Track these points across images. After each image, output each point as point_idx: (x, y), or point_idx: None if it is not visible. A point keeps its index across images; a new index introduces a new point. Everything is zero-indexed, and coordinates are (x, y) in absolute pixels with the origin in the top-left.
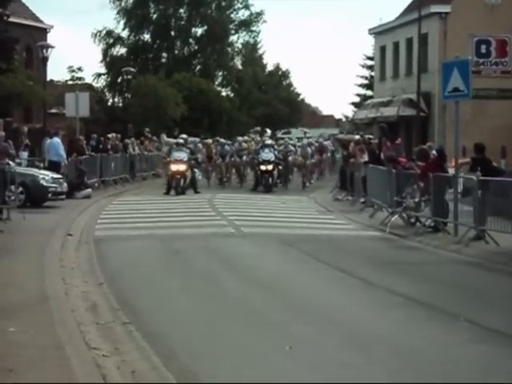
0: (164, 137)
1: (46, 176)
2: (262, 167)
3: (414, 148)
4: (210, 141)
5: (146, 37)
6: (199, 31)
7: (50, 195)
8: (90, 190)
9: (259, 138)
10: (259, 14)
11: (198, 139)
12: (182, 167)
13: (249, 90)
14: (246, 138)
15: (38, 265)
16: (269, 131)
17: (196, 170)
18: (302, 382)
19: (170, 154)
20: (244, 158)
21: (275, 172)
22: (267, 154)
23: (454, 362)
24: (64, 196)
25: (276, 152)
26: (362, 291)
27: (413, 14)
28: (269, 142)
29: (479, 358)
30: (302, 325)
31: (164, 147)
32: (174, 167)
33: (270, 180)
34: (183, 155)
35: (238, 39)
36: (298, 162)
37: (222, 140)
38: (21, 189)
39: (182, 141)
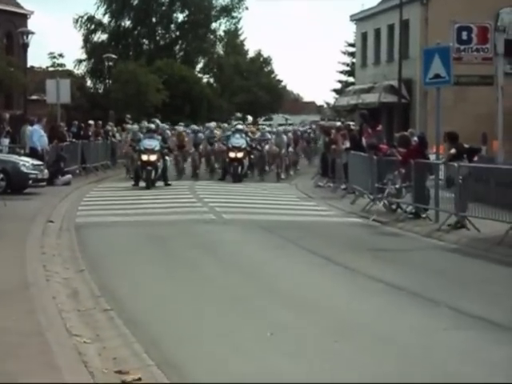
0: (130, 125)
1: (26, 163)
2: (231, 154)
3: (396, 134)
4: (181, 128)
5: (127, 23)
6: (180, 17)
7: (30, 182)
8: (70, 176)
9: (227, 126)
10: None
11: (166, 126)
12: (153, 157)
13: (230, 76)
14: (215, 124)
15: (19, 252)
16: (250, 118)
17: (168, 159)
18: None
19: (139, 141)
20: (216, 145)
21: (245, 160)
22: (238, 140)
23: (435, 348)
24: (45, 183)
25: (248, 139)
26: (343, 277)
27: (394, 0)
28: (240, 126)
29: (460, 343)
30: (283, 311)
31: (129, 134)
32: (144, 157)
33: (240, 169)
34: (154, 144)
35: (220, 26)
36: (272, 152)
37: (195, 127)
38: (1, 175)
39: (153, 126)
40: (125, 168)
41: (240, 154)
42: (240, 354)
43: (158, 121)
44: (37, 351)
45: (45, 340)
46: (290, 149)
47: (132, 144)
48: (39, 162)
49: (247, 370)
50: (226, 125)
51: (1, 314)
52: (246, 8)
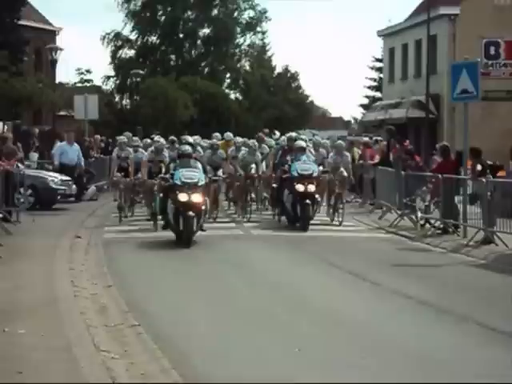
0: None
1: (55, 178)
2: (299, 187)
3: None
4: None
5: (154, 39)
6: (206, 33)
7: (59, 197)
8: (94, 188)
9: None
10: (263, 12)
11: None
12: (197, 197)
13: (257, 92)
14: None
15: (47, 267)
16: (278, 133)
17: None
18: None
19: (173, 170)
20: (220, 173)
21: (318, 196)
22: (306, 165)
23: (463, 365)
24: (73, 198)
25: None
26: (371, 293)
27: (422, 15)
28: (302, 143)
29: (487, 360)
30: (311, 327)
31: (123, 151)
32: (183, 197)
33: (311, 210)
34: (197, 175)
35: (245, 41)
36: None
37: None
38: (30, 191)
39: (188, 148)
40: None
41: (312, 187)
42: (270, 369)
43: (190, 138)
44: (65, 367)
45: (73, 355)
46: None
47: (122, 165)
48: (67, 178)
49: None
50: (254, 142)
51: (29, 330)
52: (269, 19)
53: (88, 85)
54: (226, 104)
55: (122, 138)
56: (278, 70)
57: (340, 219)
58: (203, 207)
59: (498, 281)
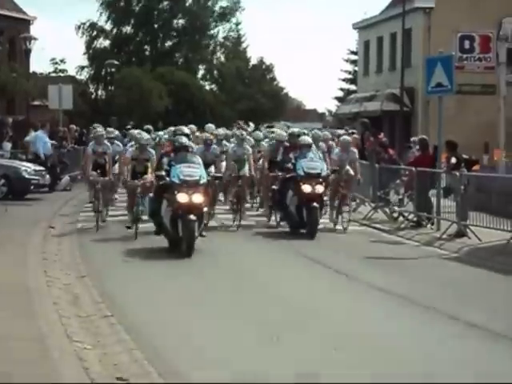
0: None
1: (28, 168)
2: (306, 188)
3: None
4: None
5: (129, 29)
6: (180, 24)
7: (32, 187)
8: (67, 177)
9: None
10: (236, 2)
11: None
12: (198, 198)
13: (231, 83)
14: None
15: (20, 257)
16: (252, 125)
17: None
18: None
19: (168, 166)
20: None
21: (326, 198)
22: (314, 163)
23: (434, 357)
24: (47, 188)
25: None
26: (343, 285)
27: (397, 8)
28: (308, 139)
29: (459, 352)
30: (278, 313)
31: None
32: (182, 198)
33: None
34: (198, 172)
35: (218, 33)
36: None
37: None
38: (3, 181)
39: (186, 140)
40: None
41: (320, 188)
42: (248, 362)
43: (185, 128)
44: (37, 357)
45: (45, 346)
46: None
47: (99, 161)
48: (41, 168)
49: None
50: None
51: (1, 320)
52: (243, 9)
53: (62, 75)
54: (200, 95)
55: (100, 131)
56: (253, 61)
57: (344, 225)
58: (205, 209)
59: (470, 274)
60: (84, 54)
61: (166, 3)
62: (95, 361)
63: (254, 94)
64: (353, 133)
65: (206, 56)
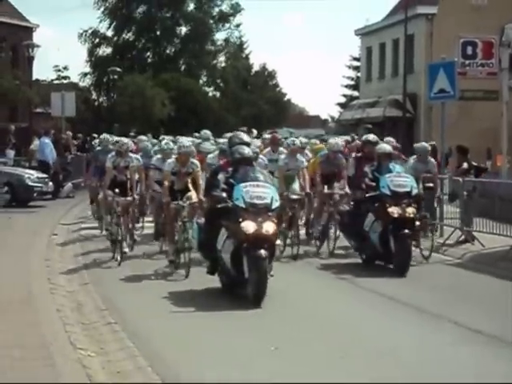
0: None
1: (31, 175)
2: (395, 211)
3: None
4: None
5: (131, 36)
6: (183, 30)
7: (35, 195)
8: (70, 184)
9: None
10: (236, 5)
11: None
12: (271, 227)
13: (234, 90)
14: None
15: (24, 264)
16: (255, 131)
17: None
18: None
19: (225, 184)
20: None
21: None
22: (402, 179)
23: (439, 363)
24: (50, 195)
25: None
26: (348, 291)
27: (399, 15)
28: (387, 147)
29: (463, 358)
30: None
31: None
32: (251, 227)
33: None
34: (269, 192)
35: (220, 36)
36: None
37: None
38: (6, 188)
39: (248, 151)
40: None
41: (412, 211)
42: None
43: (244, 135)
44: (41, 364)
45: (49, 353)
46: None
47: (119, 178)
48: (44, 175)
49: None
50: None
51: (5, 327)
52: (243, 9)
53: (65, 82)
54: (205, 101)
55: (126, 142)
56: (256, 68)
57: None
58: (278, 241)
59: (473, 280)
60: (87, 61)
61: (166, 9)
62: (99, 368)
63: (257, 100)
64: (353, 138)
65: (208, 61)
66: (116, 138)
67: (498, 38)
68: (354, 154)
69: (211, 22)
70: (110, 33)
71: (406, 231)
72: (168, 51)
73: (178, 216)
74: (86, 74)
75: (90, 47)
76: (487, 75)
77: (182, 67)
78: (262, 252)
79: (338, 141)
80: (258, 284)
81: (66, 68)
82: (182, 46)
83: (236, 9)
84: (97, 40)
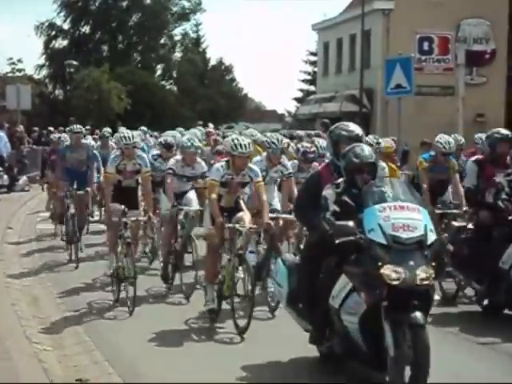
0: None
1: None
2: None
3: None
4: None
5: (87, 29)
6: (138, 23)
7: None
8: (25, 178)
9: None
10: (197, 3)
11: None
12: (428, 274)
13: (190, 84)
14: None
15: None
16: (211, 125)
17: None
18: None
19: (338, 203)
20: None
21: None
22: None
23: None
24: (5, 189)
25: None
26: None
27: (356, 10)
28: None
29: None
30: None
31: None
32: (397, 275)
33: None
34: (419, 218)
35: (173, 31)
36: None
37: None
38: None
39: (370, 157)
40: None
41: None
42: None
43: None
44: None
45: (4, 347)
46: None
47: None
48: None
49: None
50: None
51: None
52: (204, 10)
53: (20, 74)
54: (160, 95)
55: (133, 135)
56: (213, 62)
57: None
58: (436, 297)
59: None
60: (42, 54)
61: (123, 3)
62: (55, 362)
63: (214, 94)
64: (317, 135)
65: (164, 55)
66: (125, 132)
67: (454, 33)
68: (464, 157)
69: (170, 18)
70: (66, 26)
71: None
72: (123, 45)
73: (222, 245)
74: (41, 67)
75: (46, 40)
76: (443, 71)
77: (138, 59)
78: (418, 315)
79: (449, 138)
80: (416, 364)
81: (20, 61)
82: (138, 39)
83: (196, 7)
84: (53, 33)
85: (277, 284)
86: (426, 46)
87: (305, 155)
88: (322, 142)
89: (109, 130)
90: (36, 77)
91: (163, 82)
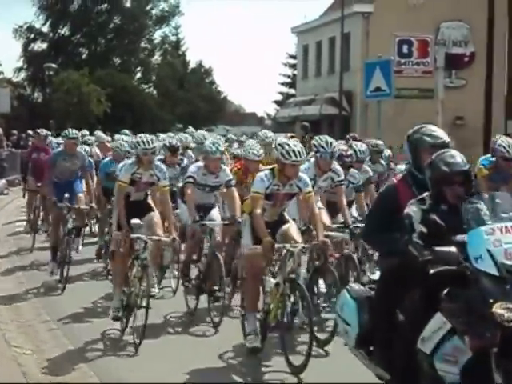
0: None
1: None
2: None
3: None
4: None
5: (66, 31)
6: (117, 26)
7: None
8: (4, 181)
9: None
10: (175, 6)
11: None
12: None
13: (169, 87)
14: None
15: None
16: (191, 129)
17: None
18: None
19: (425, 222)
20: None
21: None
22: None
23: None
24: None
25: None
26: None
27: (336, 12)
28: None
29: None
30: None
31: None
32: None
33: None
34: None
35: (154, 34)
36: None
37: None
38: None
39: (464, 165)
40: None
41: None
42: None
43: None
44: None
45: None
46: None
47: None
48: None
49: None
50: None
51: None
52: (182, 14)
53: None
54: (140, 98)
55: (151, 140)
56: (192, 65)
57: None
58: None
59: None
60: (21, 57)
61: (102, 5)
62: (34, 366)
63: (193, 97)
64: (292, 137)
65: (144, 59)
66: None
67: (433, 36)
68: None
69: (149, 21)
70: (45, 29)
71: None
72: (102, 48)
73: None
74: (20, 69)
75: (24, 42)
76: (423, 73)
77: (117, 62)
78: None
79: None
80: None
81: None
82: (117, 42)
83: (175, 11)
84: (32, 35)
85: (342, 320)
86: (405, 48)
87: (341, 159)
88: (361, 146)
89: (87, 132)
90: (14, 79)
91: (143, 85)
